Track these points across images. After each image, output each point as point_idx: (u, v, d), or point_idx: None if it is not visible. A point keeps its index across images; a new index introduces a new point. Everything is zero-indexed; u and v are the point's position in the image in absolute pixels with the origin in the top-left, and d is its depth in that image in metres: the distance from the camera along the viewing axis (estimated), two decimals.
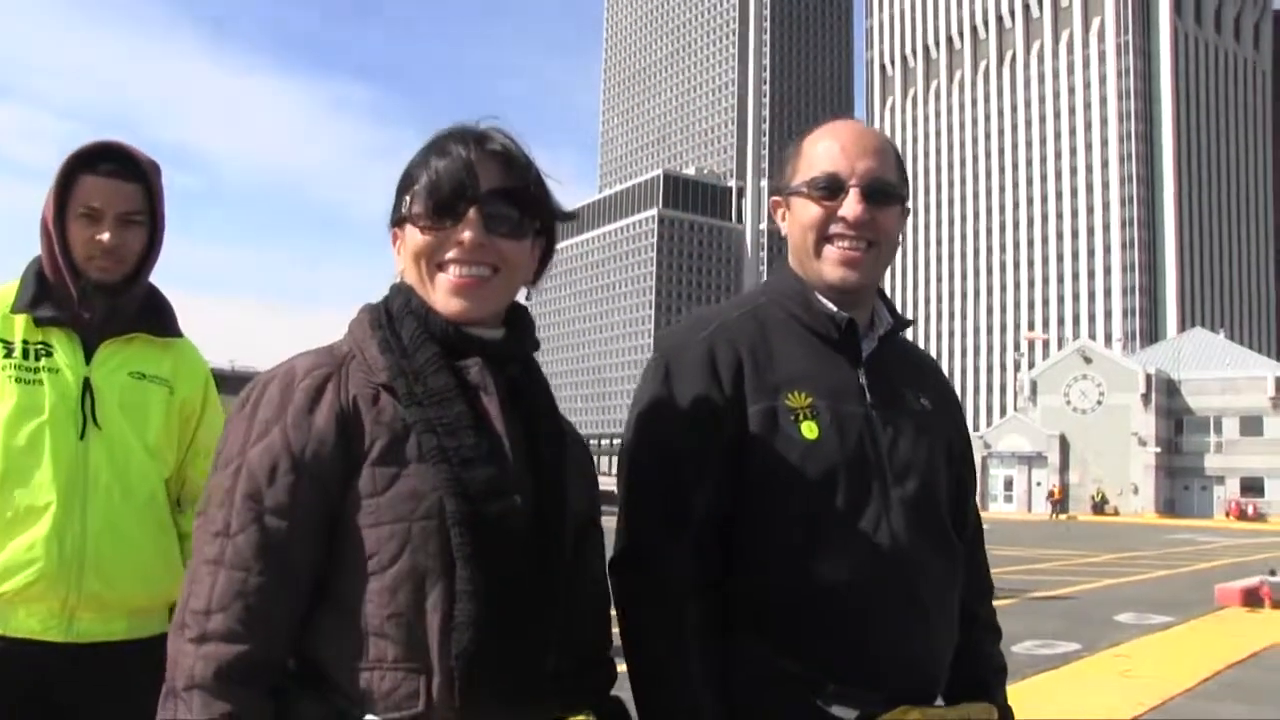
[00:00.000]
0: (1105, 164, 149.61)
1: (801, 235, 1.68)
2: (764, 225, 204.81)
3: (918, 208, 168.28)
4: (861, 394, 1.65)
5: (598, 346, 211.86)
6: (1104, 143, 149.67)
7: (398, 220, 1.43)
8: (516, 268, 1.42)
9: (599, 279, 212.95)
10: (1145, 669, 8.39)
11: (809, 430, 1.58)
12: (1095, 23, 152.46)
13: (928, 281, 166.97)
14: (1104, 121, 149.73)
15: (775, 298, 1.72)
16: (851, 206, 1.62)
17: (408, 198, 1.41)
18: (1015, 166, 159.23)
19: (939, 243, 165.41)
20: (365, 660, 1.28)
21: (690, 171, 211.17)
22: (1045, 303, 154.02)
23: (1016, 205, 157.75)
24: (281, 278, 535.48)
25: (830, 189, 1.63)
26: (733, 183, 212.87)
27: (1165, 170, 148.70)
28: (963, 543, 1.73)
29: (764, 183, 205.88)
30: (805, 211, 1.67)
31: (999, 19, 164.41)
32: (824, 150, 1.67)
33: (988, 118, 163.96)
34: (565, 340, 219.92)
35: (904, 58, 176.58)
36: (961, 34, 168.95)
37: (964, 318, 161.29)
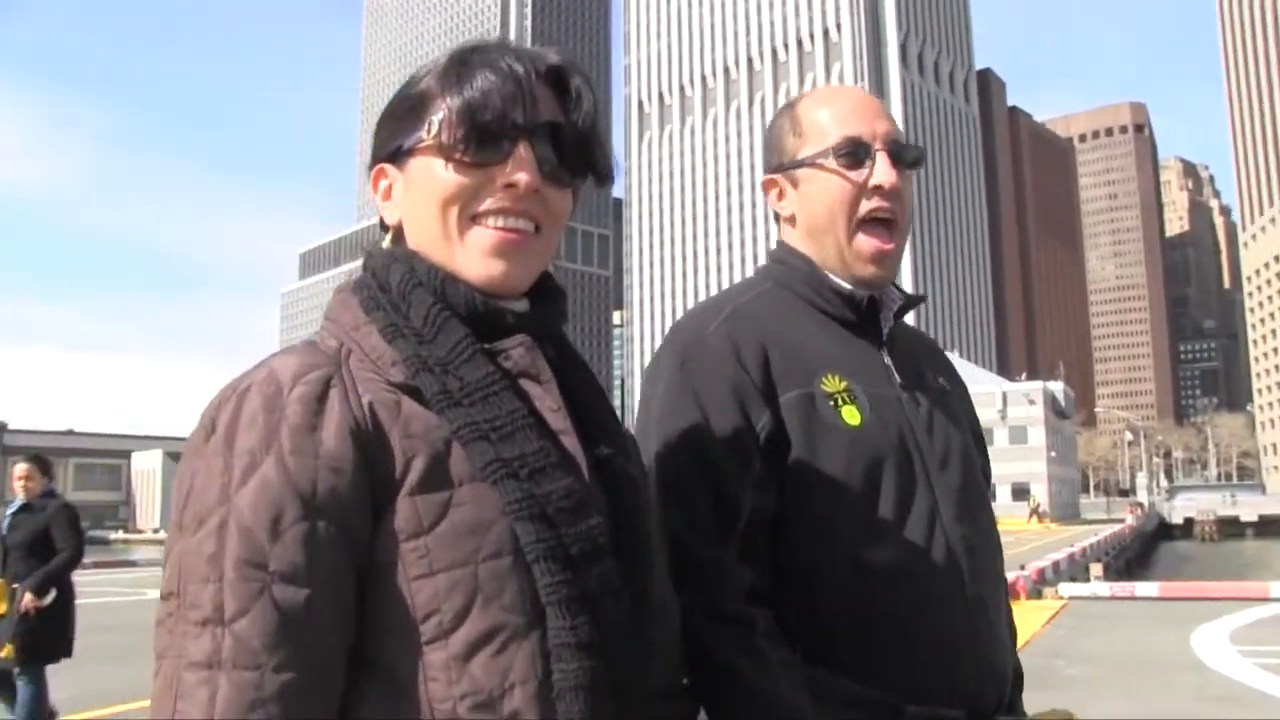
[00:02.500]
0: None
1: (829, 216, 1.51)
2: None
3: (674, 238, 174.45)
4: (890, 376, 1.50)
5: None
6: None
7: (395, 152, 1.09)
8: (560, 225, 1.11)
9: None
10: None
11: (850, 416, 1.42)
12: (836, 68, 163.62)
13: (677, 314, 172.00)
14: None
15: (782, 280, 1.56)
16: (884, 172, 1.47)
17: (433, 121, 1.05)
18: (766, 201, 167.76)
19: (695, 273, 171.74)
20: None
21: None
22: None
23: (769, 236, 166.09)
24: None
25: (854, 155, 1.48)
26: None
27: None
28: None
29: None
30: (829, 187, 1.50)
31: (749, 60, 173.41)
32: (834, 115, 1.52)
33: (740, 153, 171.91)
34: None
35: (661, 95, 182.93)
36: (715, 74, 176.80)
37: None
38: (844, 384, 1.44)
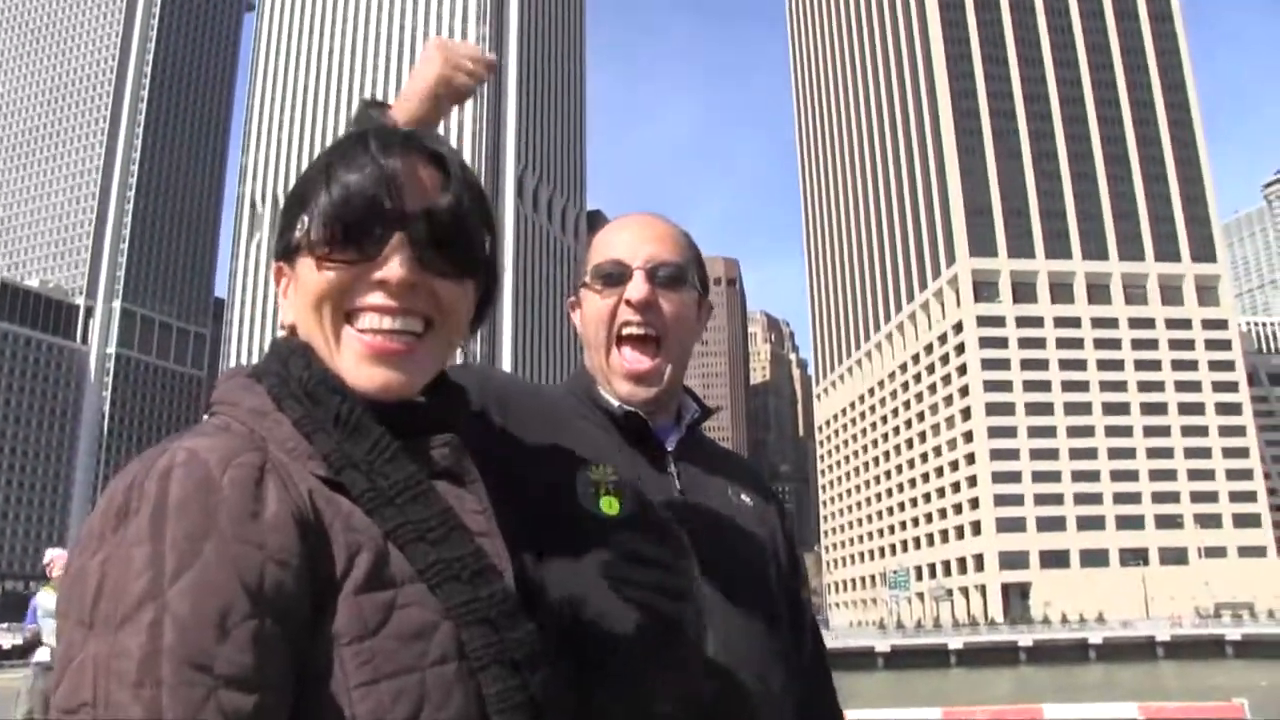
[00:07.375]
0: None
1: (594, 330, 1.57)
2: (111, 349, 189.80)
3: None
4: (670, 482, 1.51)
5: None
6: None
7: (286, 251, 1.02)
8: (457, 319, 1.03)
9: None
10: None
11: (608, 505, 1.41)
12: None
13: None
14: None
15: (571, 389, 1.63)
16: (635, 288, 1.52)
17: (304, 218, 0.99)
18: None
19: None
20: None
21: (33, 283, 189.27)
22: None
23: None
24: None
25: (613, 275, 1.55)
26: (81, 300, 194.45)
27: (505, 331, 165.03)
28: (802, 661, 1.54)
29: (116, 304, 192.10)
30: (593, 304, 1.57)
31: None
32: (612, 240, 1.60)
33: None
34: None
35: (275, 197, 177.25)
36: None
37: None
38: (614, 474, 1.44)
